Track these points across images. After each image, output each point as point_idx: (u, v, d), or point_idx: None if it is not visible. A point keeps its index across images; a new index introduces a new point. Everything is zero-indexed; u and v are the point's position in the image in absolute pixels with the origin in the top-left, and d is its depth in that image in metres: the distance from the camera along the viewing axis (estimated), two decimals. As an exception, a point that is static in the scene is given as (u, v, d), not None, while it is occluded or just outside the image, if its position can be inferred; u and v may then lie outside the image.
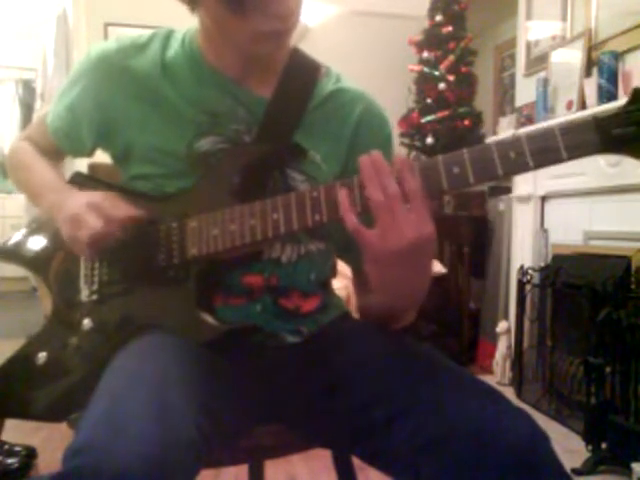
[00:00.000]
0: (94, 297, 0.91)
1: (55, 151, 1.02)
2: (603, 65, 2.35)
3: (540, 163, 0.66)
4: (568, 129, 0.65)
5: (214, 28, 0.84)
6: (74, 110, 0.94)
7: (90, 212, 0.84)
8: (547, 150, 0.66)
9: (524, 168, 0.67)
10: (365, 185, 0.69)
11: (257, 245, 0.82)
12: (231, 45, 0.86)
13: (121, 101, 0.89)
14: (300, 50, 0.96)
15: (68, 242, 0.88)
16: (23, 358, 0.93)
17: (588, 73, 2.52)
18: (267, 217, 0.78)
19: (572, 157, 0.65)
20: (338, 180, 0.74)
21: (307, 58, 0.96)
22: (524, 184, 2.86)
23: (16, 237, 1.03)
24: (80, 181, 0.98)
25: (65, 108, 0.95)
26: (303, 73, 0.93)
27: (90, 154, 0.98)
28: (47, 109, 1.03)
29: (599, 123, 0.64)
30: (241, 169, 0.85)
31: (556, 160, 0.66)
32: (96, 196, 0.87)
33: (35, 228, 1.03)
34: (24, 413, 0.93)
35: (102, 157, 1.02)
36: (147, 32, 0.93)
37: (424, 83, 3.63)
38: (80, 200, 0.87)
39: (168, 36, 0.93)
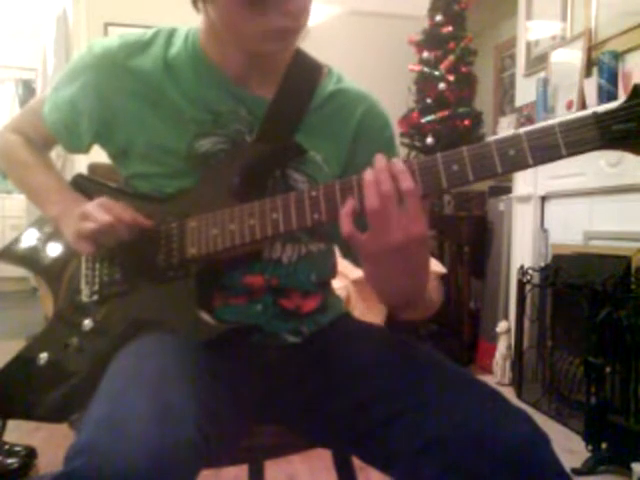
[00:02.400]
0: (95, 297, 0.91)
1: (46, 142, 1.02)
2: (603, 65, 2.35)
3: (540, 160, 0.66)
4: (568, 126, 0.65)
5: (222, 25, 0.83)
6: (74, 105, 0.93)
7: (99, 208, 0.86)
8: (547, 147, 0.65)
9: (524, 165, 0.67)
10: (364, 190, 0.69)
11: (257, 244, 0.82)
12: (237, 43, 0.85)
13: (122, 98, 0.89)
14: (302, 50, 0.96)
15: (71, 238, 0.88)
16: (24, 359, 0.93)
17: (588, 73, 2.52)
18: (266, 217, 0.78)
19: (572, 154, 0.65)
20: (337, 180, 0.74)
21: (309, 58, 0.96)
22: (524, 184, 2.86)
23: (18, 239, 1.03)
24: (82, 183, 0.99)
25: (65, 102, 0.94)
26: (305, 73, 0.93)
27: (87, 150, 0.98)
28: (39, 98, 1.02)
29: (599, 119, 0.64)
30: (241, 170, 0.85)
31: (556, 157, 0.66)
32: (106, 199, 0.88)
33: (37, 230, 1.03)
34: (26, 414, 0.93)
35: (103, 157, 1.02)
36: (150, 30, 0.93)
37: (424, 83, 3.62)
38: (89, 202, 0.88)
39: (171, 34, 0.92)
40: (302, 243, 0.92)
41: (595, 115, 0.64)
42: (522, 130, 0.67)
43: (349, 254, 0.97)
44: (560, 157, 0.66)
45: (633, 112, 0.63)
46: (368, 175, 0.69)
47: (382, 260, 0.70)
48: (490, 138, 3.11)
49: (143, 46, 0.90)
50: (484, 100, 3.98)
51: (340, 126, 0.93)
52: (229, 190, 0.84)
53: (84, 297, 0.92)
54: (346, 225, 0.69)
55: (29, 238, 1.02)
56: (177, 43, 0.91)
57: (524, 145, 0.66)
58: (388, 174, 0.68)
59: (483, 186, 3.58)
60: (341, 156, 0.93)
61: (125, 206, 0.87)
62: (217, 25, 0.84)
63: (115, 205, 0.86)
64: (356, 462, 0.88)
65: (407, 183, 0.67)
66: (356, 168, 0.74)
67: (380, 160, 0.69)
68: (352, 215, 0.69)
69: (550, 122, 0.68)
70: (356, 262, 0.96)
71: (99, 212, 0.85)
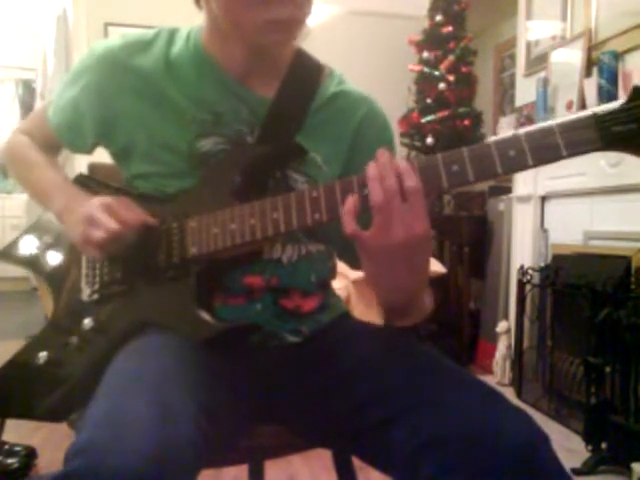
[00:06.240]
0: (95, 297, 0.91)
1: (52, 145, 1.03)
2: (603, 65, 2.35)
3: (540, 161, 0.66)
4: (568, 127, 0.65)
5: (225, 18, 0.83)
6: (77, 105, 0.94)
7: (104, 213, 0.84)
8: (547, 148, 0.66)
9: (523, 166, 0.67)
10: (367, 184, 0.69)
11: (257, 244, 0.82)
12: (240, 36, 0.85)
13: (124, 98, 0.89)
14: (304, 51, 0.96)
15: (80, 243, 0.86)
16: (24, 358, 0.93)
17: (588, 73, 2.53)
18: (267, 216, 0.78)
19: (572, 154, 0.65)
20: (338, 180, 0.74)
21: (311, 59, 0.96)
22: (524, 184, 2.86)
23: (17, 239, 1.03)
24: (85, 182, 0.99)
25: (68, 102, 0.95)
26: (306, 74, 0.93)
27: (90, 151, 0.98)
28: (46, 102, 1.03)
29: (599, 120, 0.64)
30: (242, 170, 0.85)
31: (556, 157, 0.66)
32: (109, 198, 0.87)
33: (37, 230, 1.03)
34: (25, 413, 0.93)
35: (103, 157, 1.02)
36: (151, 30, 0.93)
37: (424, 83, 3.63)
38: (94, 202, 0.86)
39: (173, 33, 0.93)
40: (302, 243, 0.92)
41: (595, 116, 0.65)
42: (522, 131, 0.68)
43: (345, 255, 0.97)
44: (560, 158, 0.66)
45: (633, 114, 0.63)
46: (372, 170, 0.69)
47: (385, 258, 0.70)
48: (490, 138, 3.12)
49: (145, 45, 0.91)
50: (484, 100, 3.98)
51: (340, 128, 0.93)
52: (230, 190, 0.84)
53: (84, 296, 0.92)
54: (348, 223, 0.69)
55: (29, 238, 1.02)
56: (179, 42, 0.91)
57: (524, 146, 0.66)
58: (391, 169, 0.68)
59: (483, 186, 3.58)
60: (341, 157, 0.93)
61: (129, 203, 0.86)
62: (220, 19, 0.84)
63: (120, 206, 0.85)
64: (356, 462, 0.88)
65: (411, 181, 0.67)
66: (356, 170, 0.74)
67: (382, 155, 0.69)
68: (354, 213, 0.69)
69: (549, 122, 0.68)
70: (351, 263, 0.96)
71: (107, 219, 0.83)
